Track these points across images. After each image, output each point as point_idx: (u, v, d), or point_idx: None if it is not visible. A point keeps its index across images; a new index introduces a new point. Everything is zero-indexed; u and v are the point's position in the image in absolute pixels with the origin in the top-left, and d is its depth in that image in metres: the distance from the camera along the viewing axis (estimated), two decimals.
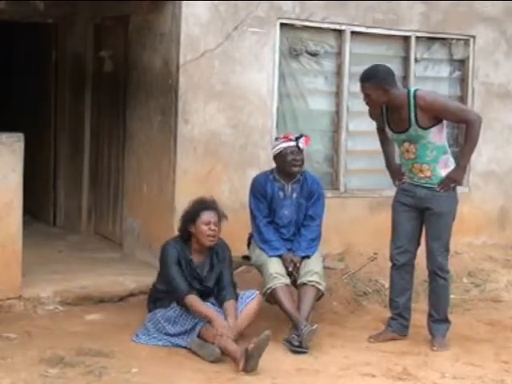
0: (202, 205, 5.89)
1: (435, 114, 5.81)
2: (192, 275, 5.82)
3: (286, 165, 6.26)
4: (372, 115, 6.25)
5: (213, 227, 5.81)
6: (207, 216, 5.82)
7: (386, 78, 5.83)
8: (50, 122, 9.30)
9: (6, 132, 6.33)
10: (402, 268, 6.12)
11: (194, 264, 5.86)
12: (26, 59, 9.85)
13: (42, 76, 9.36)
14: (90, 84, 8.78)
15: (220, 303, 5.81)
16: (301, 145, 6.24)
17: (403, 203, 6.06)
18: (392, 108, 5.90)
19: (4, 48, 10.16)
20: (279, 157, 6.30)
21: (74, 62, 8.98)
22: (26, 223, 6.57)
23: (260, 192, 6.31)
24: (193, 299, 5.65)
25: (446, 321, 6.14)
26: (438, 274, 6.01)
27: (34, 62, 9.61)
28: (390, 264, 6.19)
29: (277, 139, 6.46)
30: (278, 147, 6.31)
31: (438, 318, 6.09)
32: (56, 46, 9.19)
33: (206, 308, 5.67)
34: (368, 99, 5.89)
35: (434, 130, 5.84)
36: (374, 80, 5.80)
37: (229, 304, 5.76)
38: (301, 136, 6.28)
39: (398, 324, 6.19)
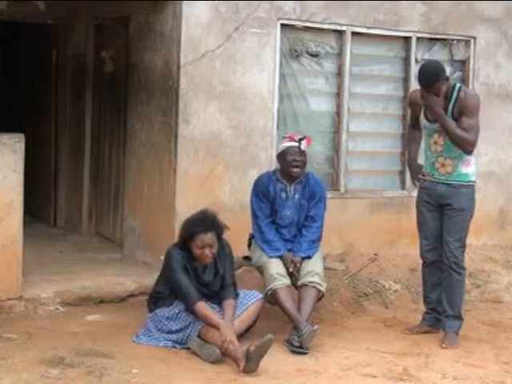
0: (197, 227, 5.76)
1: (462, 109, 5.98)
2: (198, 282, 5.82)
3: (287, 165, 6.28)
4: (410, 104, 6.41)
5: (206, 251, 5.75)
6: (201, 240, 5.73)
7: (443, 70, 6.05)
8: (51, 122, 9.31)
9: (7, 132, 6.34)
10: (432, 265, 6.32)
11: (199, 271, 5.85)
12: (27, 60, 9.85)
13: (43, 76, 9.36)
14: (90, 84, 8.78)
15: (220, 301, 5.83)
16: (302, 146, 6.25)
17: (426, 202, 6.24)
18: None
19: (5, 48, 10.16)
20: (281, 156, 6.34)
21: (74, 63, 8.98)
22: (26, 224, 6.57)
23: (263, 192, 6.31)
24: (202, 307, 5.64)
25: (459, 317, 6.23)
26: (453, 269, 6.14)
27: (34, 63, 9.61)
28: (420, 262, 6.44)
29: (282, 139, 6.49)
30: (281, 146, 6.37)
31: (452, 313, 6.19)
32: (57, 46, 9.20)
33: (215, 316, 5.65)
34: (437, 96, 5.97)
35: None
36: (440, 73, 5.96)
37: (227, 304, 5.77)
38: (303, 138, 6.29)
39: (433, 318, 6.36)
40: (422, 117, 6.21)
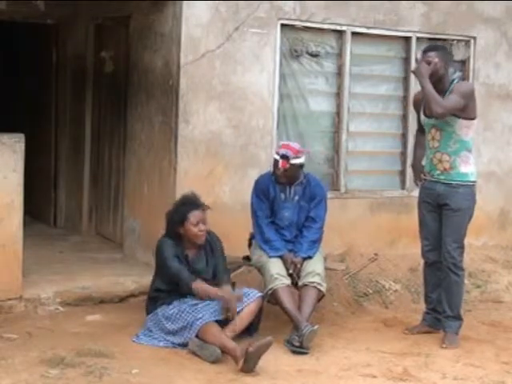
0: (187, 206, 5.93)
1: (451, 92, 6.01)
2: (190, 270, 5.86)
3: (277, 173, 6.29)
4: (414, 105, 6.40)
5: (202, 227, 5.89)
6: (194, 217, 5.87)
7: (448, 55, 6.24)
8: (51, 122, 9.31)
9: (7, 132, 6.33)
10: (433, 265, 6.32)
11: (191, 259, 5.92)
12: (27, 60, 9.85)
13: (43, 76, 9.36)
14: (90, 84, 8.78)
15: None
16: (279, 164, 6.21)
17: (426, 202, 6.25)
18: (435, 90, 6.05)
19: (5, 48, 10.16)
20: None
21: (74, 63, 8.98)
22: (26, 224, 6.56)
23: (263, 192, 6.32)
24: (199, 285, 5.74)
25: (459, 318, 6.24)
26: (451, 270, 6.15)
27: (34, 63, 9.61)
28: (421, 262, 6.47)
29: (278, 146, 6.46)
30: (273, 155, 6.38)
31: (451, 314, 6.20)
32: (57, 46, 9.20)
33: (214, 289, 5.75)
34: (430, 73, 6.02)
35: (462, 121, 6.02)
36: (442, 52, 6.09)
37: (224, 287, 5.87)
38: (284, 156, 6.18)
39: (433, 318, 6.37)
40: (421, 114, 6.21)
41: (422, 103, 6.20)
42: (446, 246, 6.12)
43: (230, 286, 5.94)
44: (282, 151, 6.25)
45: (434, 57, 5.99)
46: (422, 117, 6.20)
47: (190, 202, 5.96)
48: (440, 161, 6.12)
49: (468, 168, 6.12)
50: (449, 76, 6.18)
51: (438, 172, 6.15)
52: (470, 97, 6.05)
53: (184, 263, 5.86)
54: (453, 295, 6.18)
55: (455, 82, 6.12)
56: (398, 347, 6.04)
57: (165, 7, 7.24)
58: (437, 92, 5.98)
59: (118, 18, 8.18)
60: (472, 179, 6.16)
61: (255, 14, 7.27)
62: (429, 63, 5.98)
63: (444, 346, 6.07)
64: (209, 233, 6.03)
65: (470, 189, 6.15)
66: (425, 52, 6.11)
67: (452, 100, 5.94)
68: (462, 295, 6.35)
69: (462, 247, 6.18)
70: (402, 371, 5.53)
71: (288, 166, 6.20)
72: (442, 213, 6.16)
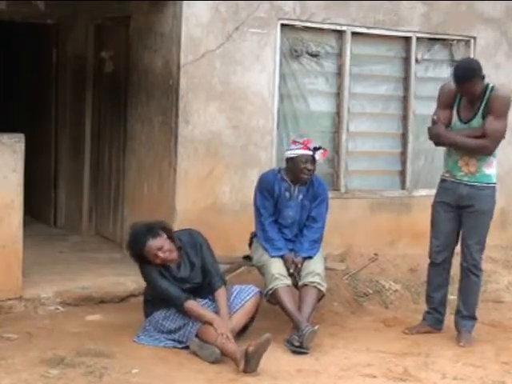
0: (137, 246, 5.70)
1: (489, 109, 5.95)
2: (176, 279, 5.78)
3: (297, 171, 6.23)
4: (446, 98, 6.20)
5: (162, 255, 5.68)
6: (150, 252, 5.68)
7: (481, 69, 6.00)
8: (51, 122, 9.30)
9: (7, 132, 6.34)
10: (439, 266, 6.31)
11: (174, 270, 5.80)
12: (27, 60, 9.85)
13: (43, 76, 9.36)
14: (90, 85, 8.78)
15: (211, 293, 5.79)
16: (317, 157, 6.23)
17: (445, 202, 6.21)
18: (469, 97, 6.01)
19: (5, 48, 10.16)
20: (292, 161, 6.25)
21: (74, 63, 8.98)
22: (26, 224, 6.56)
23: (267, 189, 6.28)
24: (191, 305, 5.63)
25: (474, 318, 6.26)
26: (471, 271, 6.16)
27: (34, 63, 9.61)
28: (428, 261, 6.39)
29: (295, 143, 6.35)
30: (293, 152, 6.25)
31: (467, 314, 6.22)
32: (57, 46, 9.19)
33: (205, 312, 5.65)
34: (471, 95, 5.98)
35: None
36: (476, 77, 5.92)
37: (218, 294, 5.75)
38: (319, 148, 6.24)
39: (433, 318, 6.37)
40: (455, 118, 6.11)
41: (454, 100, 6.10)
42: (468, 248, 6.12)
43: (225, 288, 5.80)
44: (312, 144, 6.25)
45: (470, 86, 5.90)
46: (458, 122, 6.10)
47: (137, 242, 5.72)
48: (466, 164, 6.11)
49: (491, 170, 6.15)
50: (483, 84, 6.05)
51: (462, 174, 6.13)
52: (508, 109, 6.07)
53: (168, 275, 5.75)
54: (470, 296, 6.22)
55: (490, 86, 6.02)
56: (398, 347, 6.04)
57: (165, 7, 7.24)
58: (473, 100, 5.97)
59: (118, 17, 8.18)
60: (494, 181, 6.21)
61: (255, 14, 7.28)
62: (468, 91, 5.93)
63: (461, 344, 6.09)
64: (183, 235, 5.89)
65: (492, 190, 6.19)
66: (458, 81, 5.93)
67: (498, 132, 5.99)
68: (479, 295, 6.36)
69: (483, 248, 6.20)
70: (402, 371, 5.53)
71: (323, 159, 6.28)
72: (463, 215, 6.15)
